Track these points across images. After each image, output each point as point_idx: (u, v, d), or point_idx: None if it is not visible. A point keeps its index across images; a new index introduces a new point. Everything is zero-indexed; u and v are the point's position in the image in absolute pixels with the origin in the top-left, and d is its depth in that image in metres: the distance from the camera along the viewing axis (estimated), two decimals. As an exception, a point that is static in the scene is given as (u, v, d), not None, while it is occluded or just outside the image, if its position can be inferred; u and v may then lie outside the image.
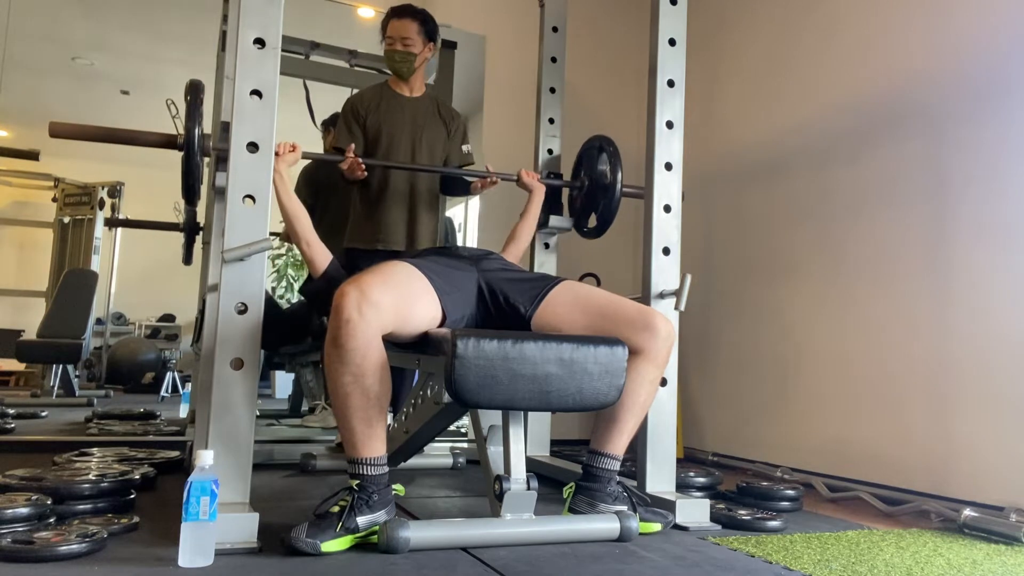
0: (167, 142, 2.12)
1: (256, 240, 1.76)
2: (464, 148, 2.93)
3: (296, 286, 3.87)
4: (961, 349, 2.46)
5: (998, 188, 2.39)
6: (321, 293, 2.24)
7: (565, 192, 2.98)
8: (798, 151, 3.22)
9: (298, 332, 3.31)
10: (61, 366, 4.07)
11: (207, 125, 2.13)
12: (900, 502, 2.49)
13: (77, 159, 3.99)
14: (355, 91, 3.00)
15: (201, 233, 3.40)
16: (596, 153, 2.84)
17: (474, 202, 3.98)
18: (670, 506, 2.07)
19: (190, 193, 2.20)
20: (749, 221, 3.48)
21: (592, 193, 2.85)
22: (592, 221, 2.90)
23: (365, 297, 1.67)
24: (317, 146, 3.27)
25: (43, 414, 3.58)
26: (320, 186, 3.11)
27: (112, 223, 4.09)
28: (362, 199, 2.80)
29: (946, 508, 2.34)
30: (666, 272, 2.27)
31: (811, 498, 2.64)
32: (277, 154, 2.22)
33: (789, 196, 3.24)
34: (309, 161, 3.07)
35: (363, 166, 2.56)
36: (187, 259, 3.59)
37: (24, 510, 1.66)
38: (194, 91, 2.13)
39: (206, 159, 2.18)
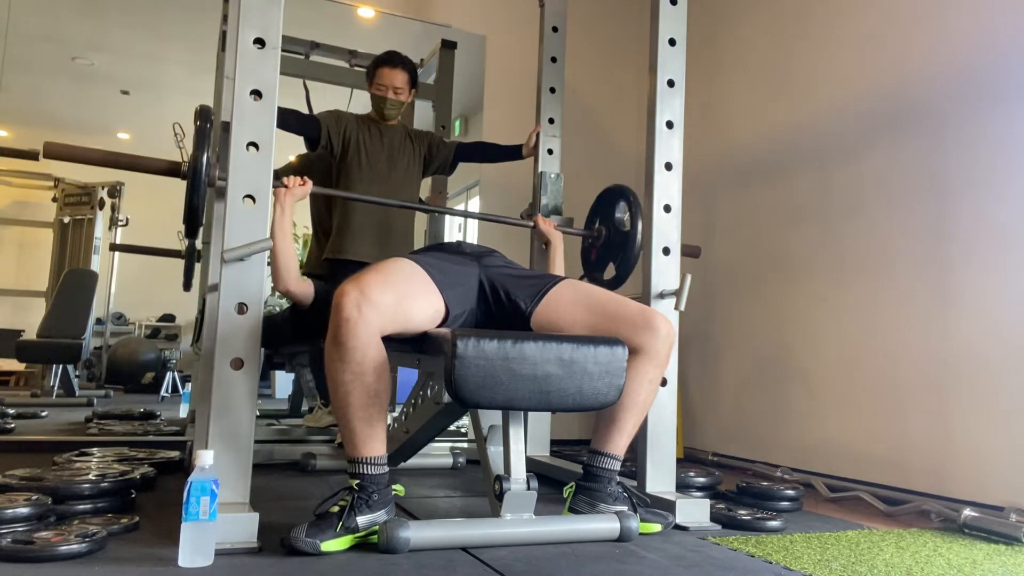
0: (170, 169, 1.98)
1: (256, 240, 1.77)
2: (446, 140, 3.13)
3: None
4: (961, 349, 2.46)
5: (998, 188, 2.40)
6: (316, 314, 2.23)
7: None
8: (798, 151, 3.22)
9: (301, 332, 3.31)
10: (61, 366, 4.07)
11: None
12: (900, 502, 2.49)
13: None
14: (353, 91, 3.04)
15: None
16: (614, 202, 2.74)
17: (474, 202, 3.98)
18: (670, 506, 2.07)
19: (192, 225, 2.03)
20: (749, 221, 3.48)
21: (609, 244, 2.76)
22: (609, 272, 2.76)
23: (365, 296, 1.67)
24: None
25: (43, 414, 3.58)
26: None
27: (115, 248, 4.13)
28: (341, 213, 2.88)
29: (946, 508, 2.34)
30: (666, 272, 2.27)
31: (811, 498, 2.64)
32: (286, 187, 2.23)
33: (789, 196, 3.24)
34: (304, 155, 3.10)
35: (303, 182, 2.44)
36: (187, 285, 3.61)
37: (24, 510, 1.66)
38: (203, 117, 1.99)
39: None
